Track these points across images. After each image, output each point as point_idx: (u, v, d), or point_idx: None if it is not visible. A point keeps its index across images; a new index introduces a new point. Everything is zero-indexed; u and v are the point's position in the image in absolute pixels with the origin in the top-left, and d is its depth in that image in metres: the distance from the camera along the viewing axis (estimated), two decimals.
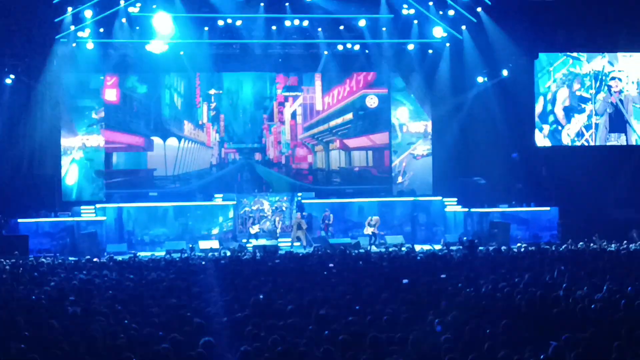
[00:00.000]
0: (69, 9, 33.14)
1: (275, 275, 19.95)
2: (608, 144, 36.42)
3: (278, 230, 34.70)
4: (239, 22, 34.88)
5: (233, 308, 14.94)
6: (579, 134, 36.39)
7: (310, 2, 34.58)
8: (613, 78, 36.37)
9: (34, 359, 10.46)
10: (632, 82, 36.52)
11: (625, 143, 36.54)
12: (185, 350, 11.31)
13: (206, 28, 35.18)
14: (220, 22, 34.79)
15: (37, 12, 32.96)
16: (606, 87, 36.38)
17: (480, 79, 36.74)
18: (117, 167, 36.64)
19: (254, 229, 33.86)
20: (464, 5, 34.74)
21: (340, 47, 36.90)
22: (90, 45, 34.94)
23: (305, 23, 35.46)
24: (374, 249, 32.21)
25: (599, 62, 36.48)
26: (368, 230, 33.72)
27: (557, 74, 36.34)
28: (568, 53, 36.38)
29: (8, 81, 33.84)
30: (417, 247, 29.99)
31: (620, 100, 36.45)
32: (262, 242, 33.03)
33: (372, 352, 11.11)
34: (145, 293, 17.08)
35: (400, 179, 37.77)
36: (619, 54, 36.48)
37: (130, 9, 34.01)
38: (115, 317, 14.22)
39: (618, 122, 36.47)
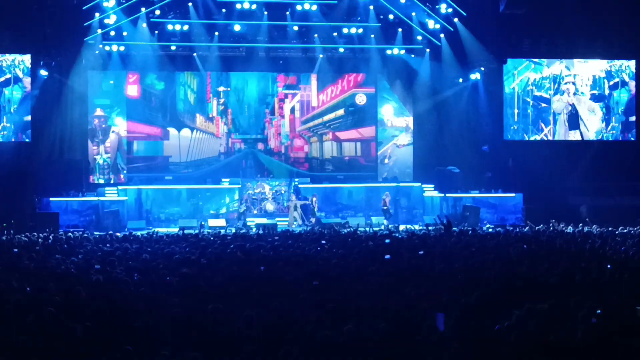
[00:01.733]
0: (97, 14, 33.09)
1: (274, 250, 19.95)
2: (567, 139, 36.53)
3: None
4: (245, 29, 34.90)
5: (238, 278, 14.94)
6: (539, 130, 36.45)
7: (308, 11, 34.61)
8: (568, 82, 36.43)
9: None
10: (586, 85, 36.60)
11: (579, 138, 36.66)
12: (196, 314, 11.32)
13: (216, 33, 35.19)
14: (236, 27, 34.84)
15: (68, 17, 32.92)
16: (563, 89, 36.44)
17: (456, 81, 36.79)
18: (137, 154, 36.60)
19: (242, 208, 33.75)
20: (443, 16, 34.81)
21: (333, 51, 36.93)
22: (114, 47, 35.00)
23: (304, 30, 35.53)
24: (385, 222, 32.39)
25: (557, 66, 36.54)
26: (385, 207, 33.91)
27: (520, 76, 36.39)
28: (532, 59, 36.45)
29: (43, 73, 33.73)
30: (401, 227, 30.17)
31: (577, 99, 36.55)
32: (263, 220, 33.06)
33: (357, 318, 11.13)
34: (161, 264, 17.07)
35: (386, 161, 37.83)
36: (575, 60, 36.56)
37: (150, 15, 34.03)
38: (134, 284, 14.23)
39: (573, 120, 36.55)
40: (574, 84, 36.49)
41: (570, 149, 36.20)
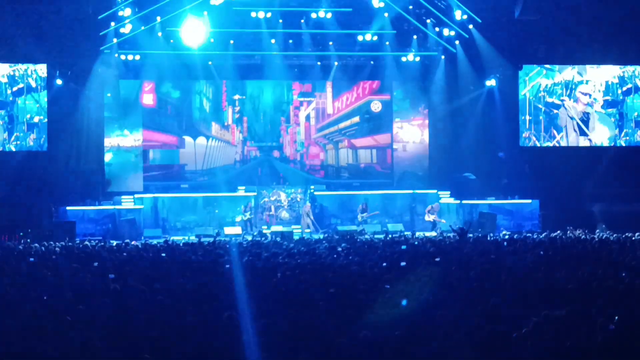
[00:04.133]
0: (112, 23, 33.21)
1: (290, 258, 19.93)
2: (580, 145, 36.39)
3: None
4: (260, 36, 34.95)
5: (254, 285, 14.93)
6: (551, 136, 36.30)
7: (323, 19, 34.64)
8: (580, 88, 36.28)
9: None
10: (598, 91, 36.44)
11: (592, 144, 36.46)
12: (212, 322, 11.32)
13: (232, 41, 35.25)
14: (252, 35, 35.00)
15: (83, 26, 33.05)
16: (576, 95, 36.29)
17: (471, 88, 36.77)
18: (153, 162, 36.67)
19: (246, 215, 33.72)
20: (458, 22, 34.80)
21: (348, 59, 36.95)
22: (130, 56, 35.11)
23: (319, 37, 35.56)
24: (434, 234, 32.33)
25: (569, 72, 36.40)
26: (429, 218, 33.87)
27: (532, 82, 36.30)
28: (546, 65, 36.36)
29: (59, 82, 33.89)
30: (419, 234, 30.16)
31: (589, 105, 36.40)
32: (279, 228, 33.09)
33: (373, 325, 11.11)
34: (177, 272, 17.08)
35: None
36: (587, 66, 36.43)
37: (166, 24, 34.12)
38: (150, 293, 14.23)
39: (586, 126, 36.38)
40: (586, 93, 36.31)
41: (585, 155, 36.02)
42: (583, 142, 36.42)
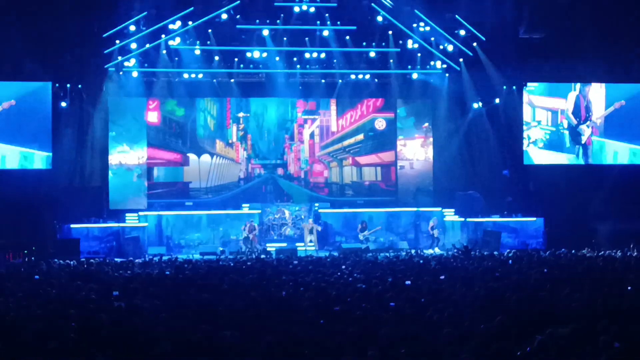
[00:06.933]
0: (117, 41, 33.37)
1: (294, 275, 19.93)
2: (585, 163, 36.34)
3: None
4: (264, 55, 35.05)
5: (258, 303, 14.92)
6: (558, 152, 36.24)
7: (327, 37, 34.75)
8: (584, 106, 36.22)
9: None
10: (602, 110, 36.40)
11: (596, 162, 36.41)
12: (215, 340, 11.31)
13: (236, 59, 35.39)
14: (248, 54, 35.00)
15: (88, 44, 33.21)
16: (580, 114, 36.23)
17: (475, 105, 36.83)
18: (157, 180, 36.69)
19: (244, 234, 33.68)
20: (462, 40, 34.91)
21: (352, 77, 37.00)
22: (134, 74, 35.22)
23: (322, 55, 35.65)
24: (437, 251, 32.29)
25: (572, 93, 36.33)
26: (433, 232, 33.93)
27: (536, 100, 36.28)
28: (550, 83, 36.36)
29: (63, 104, 34.05)
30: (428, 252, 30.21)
31: (593, 123, 36.36)
32: (283, 245, 33.22)
33: (379, 346, 11.09)
34: (180, 289, 17.08)
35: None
36: (593, 84, 36.38)
37: (170, 42, 34.25)
38: (153, 310, 14.22)
39: (590, 144, 36.36)
40: (588, 109, 36.28)
41: (590, 172, 35.98)
42: (589, 160, 36.34)
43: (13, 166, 33.51)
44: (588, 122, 36.33)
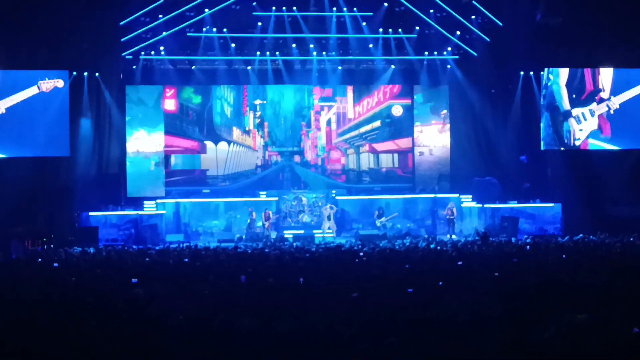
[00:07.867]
0: (134, 30, 33.44)
1: (312, 262, 19.94)
2: (602, 148, 36.00)
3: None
4: (281, 41, 35.04)
5: (276, 290, 14.93)
6: (570, 140, 35.86)
7: (343, 22, 34.72)
8: (600, 91, 35.87)
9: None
10: (617, 95, 36.05)
11: (612, 148, 36.09)
12: (232, 328, 11.31)
13: (253, 47, 35.42)
14: (265, 41, 35.05)
15: (105, 33, 33.26)
16: (595, 99, 35.88)
17: (492, 91, 36.72)
18: (175, 168, 36.77)
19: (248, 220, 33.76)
20: (479, 25, 34.80)
21: (369, 63, 36.95)
22: (151, 62, 35.30)
23: (339, 41, 35.62)
24: (454, 237, 32.26)
25: (589, 76, 35.94)
26: (450, 216, 34.00)
27: (551, 86, 35.93)
28: (568, 68, 36.04)
29: (81, 88, 34.04)
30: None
31: (609, 108, 36.04)
32: (301, 232, 33.29)
33: (396, 330, 11.07)
34: (198, 277, 17.10)
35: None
36: (610, 68, 35.93)
37: (187, 30, 34.27)
38: (171, 298, 14.25)
39: (604, 129, 36.02)
40: (602, 97, 35.92)
41: (608, 158, 35.76)
42: (604, 145, 36.05)
43: (32, 154, 33.52)
44: (606, 102, 35.83)
